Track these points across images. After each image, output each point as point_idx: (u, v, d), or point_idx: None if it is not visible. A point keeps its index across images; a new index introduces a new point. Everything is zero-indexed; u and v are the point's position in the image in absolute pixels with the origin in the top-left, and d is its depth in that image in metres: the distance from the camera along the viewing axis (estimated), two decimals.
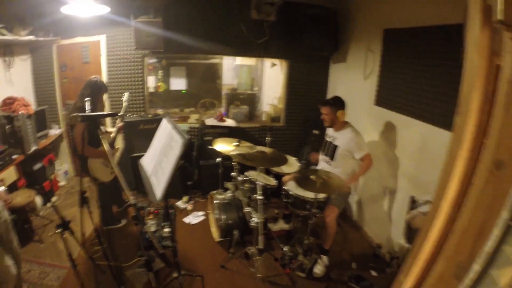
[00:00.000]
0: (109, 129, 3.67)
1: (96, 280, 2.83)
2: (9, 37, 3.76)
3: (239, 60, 5.52)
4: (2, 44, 3.86)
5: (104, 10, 3.46)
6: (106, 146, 3.06)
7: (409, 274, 0.97)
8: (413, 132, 3.09)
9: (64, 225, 2.23)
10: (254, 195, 3.04)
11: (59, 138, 4.93)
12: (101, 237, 2.61)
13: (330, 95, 4.87)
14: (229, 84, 5.74)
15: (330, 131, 3.41)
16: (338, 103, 3.22)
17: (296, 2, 4.17)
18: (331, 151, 3.31)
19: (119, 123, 3.50)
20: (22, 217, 3.51)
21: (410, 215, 2.65)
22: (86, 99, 2.68)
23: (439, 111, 2.70)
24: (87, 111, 2.60)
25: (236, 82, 5.79)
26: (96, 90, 3.17)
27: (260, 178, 3.16)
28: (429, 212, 1.01)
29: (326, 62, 4.85)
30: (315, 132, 4.53)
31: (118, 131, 3.54)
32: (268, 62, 5.52)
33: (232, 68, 5.78)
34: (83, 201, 2.43)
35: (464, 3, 0.78)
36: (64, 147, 5.10)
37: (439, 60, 2.72)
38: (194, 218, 3.95)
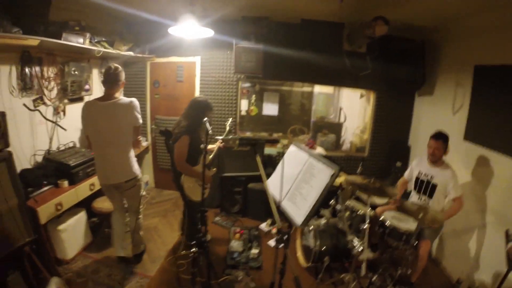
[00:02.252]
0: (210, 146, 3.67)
1: None
2: (111, 50, 4.17)
3: (318, 88, 5.73)
4: (101, 56, 4.17)
5: (209, 33, 3.75)
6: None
7: None
8: (503, 169, 3.08)
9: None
10: (360, 224, 3.17)
11: (145, 150, 5.31)
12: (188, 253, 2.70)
13: (413, 128, 4.97)
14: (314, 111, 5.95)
15: (424, 169, 3.45)
16: (448, 139, 3.28)
17: (387, 34, 4.30)
18: (430, 190, 3.35)
19: (220, 144, 3.59)
20: (106, 221, 3.89)
21: (509, 245, 2.63)
22: (204, 119, 2.78)
23: None
24: (209, 131, 2.69)
25: (313, 108, 6.00)
26: (201, 109, 3.23)
27: (361, 208, 3.29)
28: None
29: (412, 95, 4.93)
30: (398, 164, 4.61)
31: (217, 152, 3.69)
32: (346, 91, 5.72)
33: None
34: None
35: None
36: (148, 158, 5.48)
37: None
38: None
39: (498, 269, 2.93)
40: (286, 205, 2.33)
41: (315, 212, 2.11)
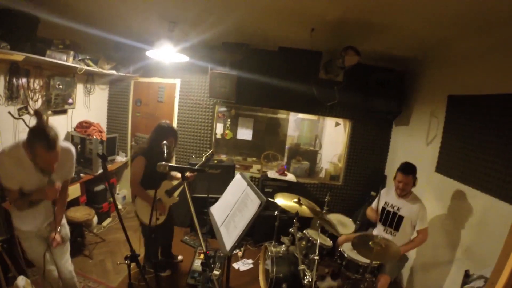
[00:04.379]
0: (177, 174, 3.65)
1: None
2: (93, 68, 4.43)
3: (302, 115, 5.88)
4: (86, 73, 4.53)
5: (184, 59, 3.98)
6: (161, 190, 3.38)
7: None
8: (473, 203, 3.05)
9: (132, 257, 2.25)
10: (312, 255, 3.23)
11: (124, 165, 5.52)
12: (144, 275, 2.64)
13: (390, 158, 5.05)
14: (291, 136, 6.09)
15: (391, 200, 3.45)
16: (416, 171, 3.28)
17: (364, 64, 4.39)
18: (396, 222, 3.35)
19: (189, 174, 3.42)
20: (77, 230, 3.98)
21: None
22: (163, 142, 2.95)
23: (502, 184, 2.68)
24: (165, 155, 2.88)
25: (297, 134, 6.18)
26: (163, 135, 3.22)
27: (318, 238, 3.36)
28: None
29: (389, 124, 5.02)
30: (373, 193, 4.67)
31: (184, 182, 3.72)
32: (329, 120, 5.82)
33: (294, 120, 6.16)
34: None
35: None
36: (127, 173, 5.68)
37: (506, 131, 2.71)
38: (243, 265, 4.18)
39: None
40: (222, 232, 2.48)
41: (240, 241, 2.22)
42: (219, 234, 2.48)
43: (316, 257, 3.08)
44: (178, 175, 3.52)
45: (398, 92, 4.45)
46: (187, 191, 2.00)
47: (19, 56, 3.13)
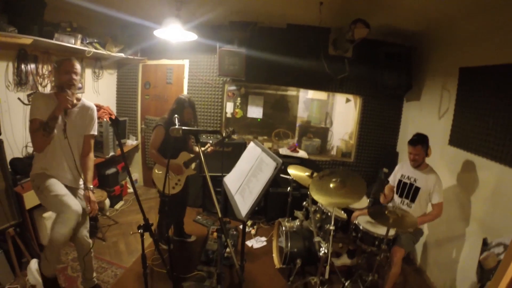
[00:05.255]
0: (195, 148, 3.77)
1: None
2: (101, 51, 4.44)
3: (311, 94, 5.84)
4: (93, 57, 4.54)
5: (192, 37, 3.94)
6: (179, 161, 3.50)
7: None
8: (488, 174, 3.05)
9: (145, 226, 2.24)
10: (327, 225, 3.23)
11: (135, 148, 5.58)
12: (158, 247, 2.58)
13: (401, 133, 5.02)
14: (301, 117, 6.07)
15: (407, 172, 3.46)
16: (427, 140, 3.28)
17: (373, 39, 4.38)
18: (413, 193, 3.35)
19: (209, 148, 3.70)
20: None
21: (483, 255, 2.67)
22: (174, 115, 3.00)
23: None
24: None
25: (306, 115, 6.15)
26: (180, 105, 3.46)
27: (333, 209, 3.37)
28: (505, 254, 1.09)
29: (400, 100, 4.99)
30: (385, 170, 4.62)
31: (203, 154, 3.76)
32: (339, 97, 5.80)
33: (303, 101, 6.13)
34: None
35: None
36: (138, 157, 5.74)
37: None
38: (256, 243, 4.21)
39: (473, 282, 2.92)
40: (237, 199, 2.48)
41: (257, 205, 2.23)
42: (234, 202, 2.48)
43: (332, 227, 3.05)
44: (197, 149, 3.65)
45: (407, 66, 4.42)
46: (203, 163, 1.99)
47: (27, 40, 3.14)
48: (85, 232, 2.81)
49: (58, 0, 3.56)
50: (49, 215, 3.49)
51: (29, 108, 3.59)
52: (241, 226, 4.44)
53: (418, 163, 3.32)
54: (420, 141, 3.26)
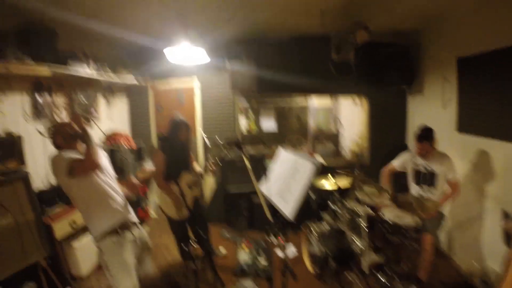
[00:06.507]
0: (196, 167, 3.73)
1: None
2: (112, 76, 4.58)
3: (316, 103, 6.06)
4: (106, 83, 4.69)
5: (205, 59, 4.00)
6: (182, 183, 3.44)
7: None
8: (497, 154, 3.20)
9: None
10: (358, 219, 3.34)
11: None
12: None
13: (410, 127, 5.16)
14: (311, 125, 6.21)
15: (420, 161, 3.55)
16: (432, 134, 3.39)
17: (373, 40, 4.41)
18: (430, 179, 3.45)
19: (212, 167, 3.75)
20: None
21: (506, 223, 2.78)
22: (203, 135, 3.20)
23: None
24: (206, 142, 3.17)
25: (314, 123, 6.29)
26: (175, 127, 3.47)
27: (359, 207, 3.46)
28: None
29: (404, 95, 5.17)
30: None
31: (205, 173, 3.78)
32: (344, 101, 5.99)
33: (310, 110, 6.29)
34: None
35: None
36: None
37: None
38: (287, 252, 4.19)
39: (504, 254, 2.93)
40: (278, 202, 2.56)
41: (301, 204, 2.31)
42: (276, 206, 2.56)
43: (364, 224, 3.17)
44: (198, 168, 3.69)
45: (407, 63, 4.62)
46: (252, 175, 2.09)
47: (45, 70, 3.27)
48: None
49: (67, 26, 3.64)
50: (79, 245, 3.55)
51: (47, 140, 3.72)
52: (269, 238, 4.49)
53: (427, 156, 3.45)
54: (425, 137, 3.39)
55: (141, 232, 2.73)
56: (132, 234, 2.57)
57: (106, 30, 4.04)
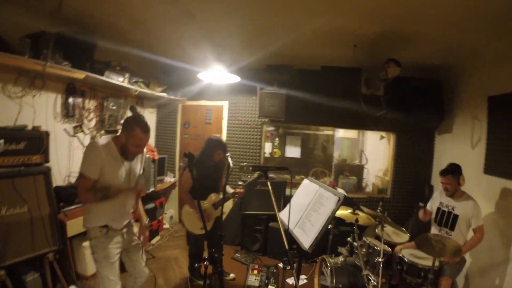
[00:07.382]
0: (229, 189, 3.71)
1: None
2: (146, 90, 4.72)
3: (342, 133, 6.08)
4: (137, 96, 4.81)
5: (235, 79, 4.20)
6: (208, 202, 3.52)
7: None
8: None
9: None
10: (376, 258, 3.28)
11: (172, 185, 5.75)
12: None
13: (435, 166, 5.07)
14: (335, 156, 6.16)
15: (445, 200, 3.48)
16: (458, 170, 3.35)
17: (402, 76, 4.40)
18: (452, 221, 3.37)
19: (240, 189, 3.67)
20: None
21: None
22: (227, 154, 3.21)
23: None
24: (230, 164, 3.18)
25: (338, 153, 6.28)
26: (212, 147, 3.50)
27: (378, 244, 3.41)
28: None
29: (432, 133, 5.11)
30: (421, 204, 4.65)
31: (233, 196, 3.75)
32: (370, 134, 6.00)
33: (334, 140, 6.25)
34: None
35: None
36: (174, 193, 5.93)
37: None
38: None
39: None
40: (297, 232, 2.57)
41: (321, 237, 2.32)
42: (294, 235, 2.57)
43: (381, 259, 3.10)
44: (230, 190, 3.69)
45: (437, 100, 4.57)
46: (273, 200, 2.12)
47: (80, 74, 3.39)
48: (143, 264, 2.84)
49: (107, 42, 3.86)
50: (89, 245, 3.59)
51: (74, 139, 3.85)
52: (280, 264, 4.47)
53: (451, 193, 3.38)
54: (450, 171, 3.34)
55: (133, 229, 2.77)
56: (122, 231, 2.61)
57: (144, 53, 4.28)
